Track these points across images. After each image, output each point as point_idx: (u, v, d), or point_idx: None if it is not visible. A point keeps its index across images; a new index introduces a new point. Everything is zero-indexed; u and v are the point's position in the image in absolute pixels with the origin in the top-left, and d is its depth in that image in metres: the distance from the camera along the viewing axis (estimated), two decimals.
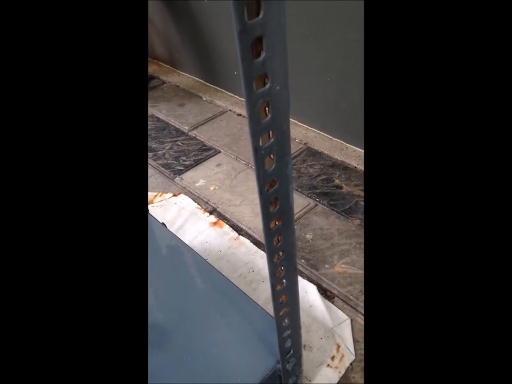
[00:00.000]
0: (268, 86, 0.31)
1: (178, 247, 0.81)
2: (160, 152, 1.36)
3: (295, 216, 1.05)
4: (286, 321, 0.53)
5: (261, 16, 0.27)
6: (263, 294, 0.89)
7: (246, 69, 0.29)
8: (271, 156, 0.36)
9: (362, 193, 1.10)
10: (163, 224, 0.87)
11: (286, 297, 0.50)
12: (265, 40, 0.28)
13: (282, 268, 0.47)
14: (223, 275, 0.74)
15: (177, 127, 1.47)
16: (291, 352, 0.58)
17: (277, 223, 0.42)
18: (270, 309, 0.69)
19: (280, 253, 0.45)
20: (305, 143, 1.29)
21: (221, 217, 1.10)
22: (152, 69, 1.87)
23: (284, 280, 0.48)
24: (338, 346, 0.75)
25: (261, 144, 0.34)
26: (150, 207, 1.15)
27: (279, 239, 0.44)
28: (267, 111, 0.33)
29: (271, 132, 0.35)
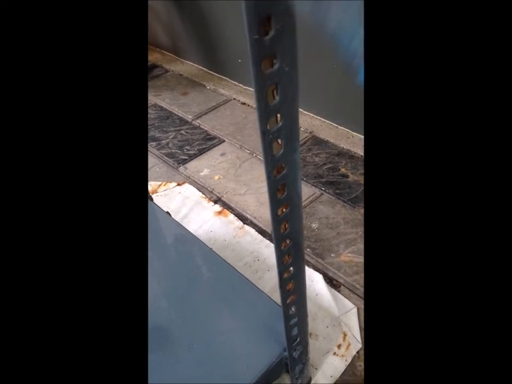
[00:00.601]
0: (276, 66, 0.30)
1: (183, 236, 0.81)
2: (163, 141, 1.35)
3: None
4: (293, 309, 0.53)
5: None
6: (268, 282, 0.89)
7: (254, 49, 0.28)
8: (279, 140, 0.35)
9: None
10: (167, 213, 0.87)
11: (293, 285, 0.50)
12: (274, 19, 0.27)
13: (289, 255, 0.46)
14: (229, 264, 0.74)
15: (181, 116, 1.46)
16: (298, 340, 0.57)
17: (284, 210, 0.41)
18: (275, 297, 0.69)
19: (288, 241, 0.45)
20: (310, 132, 1.28)
21: (226, 206, 1.09)
22: (154, 57, 1.86)
23: (291, 268, 0.48)
24: (345, 335, 0.74)
25: (268, 128, 0.33)
26: (154, 196, 1.14)
27: (286, 226, 0.43)
28: (275, 94, 0.32)
29: (279, 116, 0.34)
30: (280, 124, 0.34)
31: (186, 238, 0.80)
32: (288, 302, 0.51)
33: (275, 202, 0.39)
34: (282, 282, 0.48)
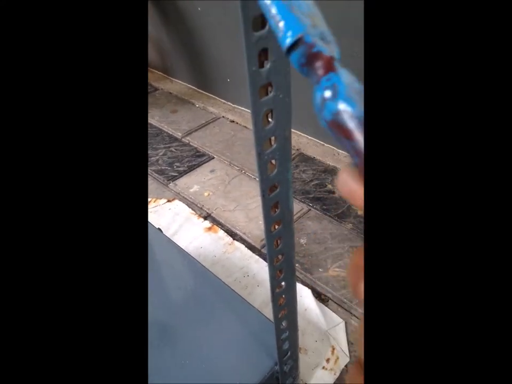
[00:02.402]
0: (271, 94, 0.32)
1: (175, 252, 0.82)
2: (153, 158, 1.36)
3: None
4: (284, 323, 0.54)
5: (266, 29, 0.29)
6: (258, 298, 0.90)
7: (252, 79, 0.30)
8: (273, 161, 0.38)
9: None
10: (159, 229, 0.88)
11: (284, 300, 0.51)
12: (270, 52, 0.30)
13: (281, 271, 0.48)
14: (220, 279, 0.75)
15: (171, 133, 1.48)
16: (288, 354, 0.59)
17: (277, 226, 0.43)
18: (266, 312, 0.70)
19: (280, 256, 0.47)
20: (297, 149, 1.31)
21: (216, 222, 1.11)
22: None
23: (283, 283, 0.50)
24: (333, 349, 0.76)
25: (263, 149, 0.36)
26: None
27: (278, 242, 0.45)
28: (269, 118, 0.35)
29: (273, 138, 0.36)
30: (275, 145, 0.36)
31: (177, 254, 0.81)
32: (279, 316, 0.52)
33: (268, 219, 0.41)
34: (274, 297, 0.49)
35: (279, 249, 0.45)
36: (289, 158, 0.39)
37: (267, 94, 0.33)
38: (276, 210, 0.41)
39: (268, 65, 0.30)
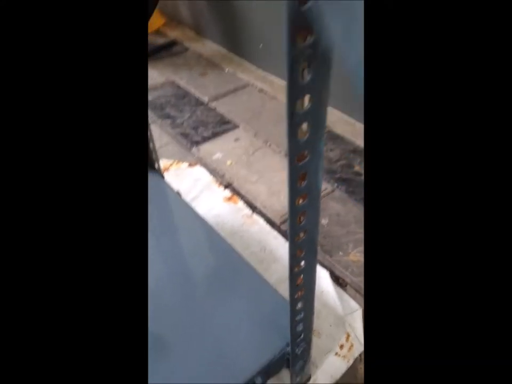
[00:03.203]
0: (310, 40, 0.27)
1: (192, 217, 0.79)
2: (178, 120, 1.32)
3: None
4: (300, 304, 0.50)
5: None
6: (274, 274, 0.86)
7: (290, 15, 0.25)
8: (305, 125, 0.32)
9: None
10: (178, 193, 0.85)
11: (303, 280, 0.47)
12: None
13: (302, 249, 0.44)
14: (237, 251, 0.71)
15: (197, 96, 1.43)
16: (302, 336, 0.55)
17: (302, 200, 0.39)
18: (280, 290, 0.67)
19: (302, 233, 0.42)
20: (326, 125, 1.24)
21: (236, 192, 1.07)
22: (175, 34, 1.82)
23: (303, 262, 0.45)
24: (348, 336, 0.72)
25: (296, 110, 0.30)
26: (165, 174, 1.13)
27: (302, 218, 0.41)
28: (306, 74, 0.30)
29: (307, 98, 0.31)
30: (309, 106, 0.31)
31: (195, 220, 0.78)
32: (296, 296, 0.48)
33: (294, 191, 0.36)
34: (293, 276, 0.45)
35: (302, 225, 0.41)
36: (323, 125, 0.34)
37: (305, 40, 0.27)
38: (303, 182, 0.37)
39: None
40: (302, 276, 0.47)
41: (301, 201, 0.39)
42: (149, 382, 0.54)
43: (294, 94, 0.29)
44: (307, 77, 0.29)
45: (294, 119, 0.31)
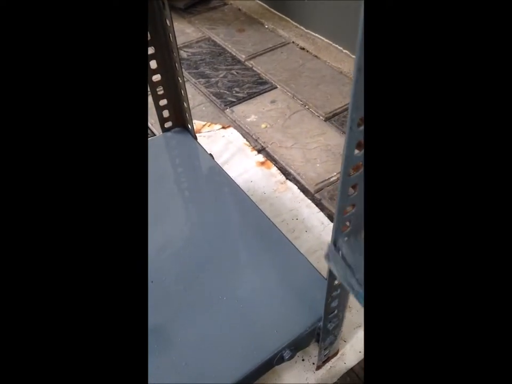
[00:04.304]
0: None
1: (224, 181, 0.76)
2: (213, 79, 1.27)
3: None
4: (338, 280, 0.47)
5: None
6: (304, 243, 0.84)
7: None
8: None
9: None
10: (210, 155, 0.82)
11: None
12: None
13: (349, 223, 0.40)
14: (269, 219, 0.69)
15: (234, 54, 1.36)
16: (335, 312, 0.53)
17: (355, 171, 0.35)
18: (311, 260, 0.64)
19: (350, 207, 0.38)
20: None
21: (270, 157, 1.03)
22: None
23: (347, 238, 0.42)
24: None
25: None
26: (197, 135, 1.10)
27: (353, 190, 0.37)
28: None
29: None
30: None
31: (227, 184, 0.75)
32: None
33: (350, 159, 0.32)
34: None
35: (351, 198, 0.37)
36: None
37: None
38: (361, 149, 0.32)
39: None
40: None
41: (354, 171, 0.35)
42: (181, 344, 0.53)
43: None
44: None
45: (361, 76, 0.26)
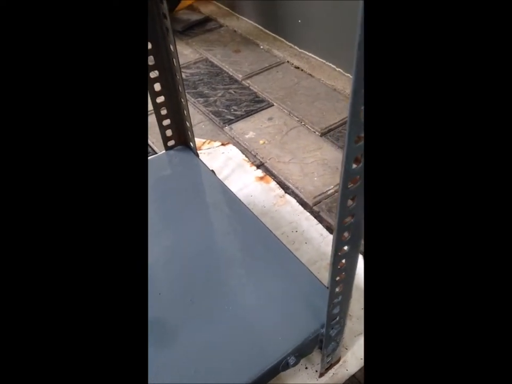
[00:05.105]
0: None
1: (226, 196, 0.79)
2: (211, 98, 1.31)
3: None
4: (340, 287, 0.50)
5: None
6: (305, 255, 0.86)
7: None
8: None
9: None
10: (212, 171, 0.85)
11: (345, 264, 0.47)
12: None
13: (348, 232, 0.43)
14: (271, 231, 0.71)
15: (231, 74, 1.41)
16: (337, 318, 0.55)
17: (353, 184, 0.38)
18: (312, 271, 0.67)
19: (350, 217, 0.41)
20: None
21: (268, 172, 1.06)
22: (209, 10, 1.79)
23: (347, 247, 0.45)
24: None
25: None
26: (198, 152, 1.13)
27: (352, 201, 0.40)
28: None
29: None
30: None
31: (228, 199, 0.78)
32: (337, 279, 0.48)
33: (349, 171, 0.36)
34: (336, 259, 0.45)
35: (350, 209, 0.40)
36: None
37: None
38: (358, 163, 0.36)
39: None
40: (344, 260, 0.46)
41: (352, 184, 0.38)
42: (181, 354, 0.55)
43: (361, 72, 0.28)
44: None
45: (358, 98, 0.29)
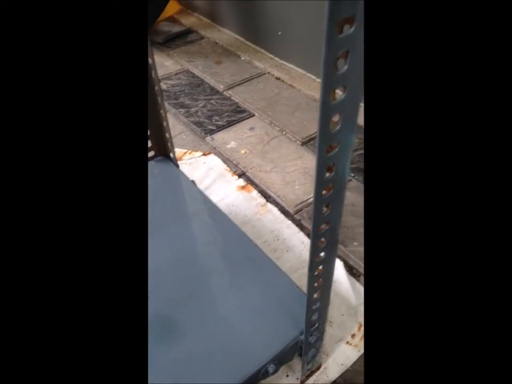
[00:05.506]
0: (351, 30, 0.27)
1: (207, 206, 0.79)
2: (193, 109, 1.32)
3: None
4: (317, 294, 0.51)
5: None
6: (286, 263, 0.87)
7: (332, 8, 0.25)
8: (336, 116, 0.33)
9: None
10: (192, 181, 0.86)
11: (322, 270, 0.48)
12: None
13: (324, 239, 0.44)
14: (251, 239, 0.72)
15: (212, 85, 1.43)
16: (316, 325, 0.56)
17: (328, 191, 0.39)
18: (293, 278, 0.67)
19: (325, 224, 0.42)
20: None
21: (250, 181, 1.07)
22: (191, 22, 1.81)
23: (323, 253, 0.46)
24: (360, 326, 0.73)
25: (330, 99, 0.31)
26: (179, 163, 1.13)
27: (326, 209, 0.41)
28: (344, 63, 0.30)
29: (342, 88, 0.31)
30: (343, 97, 0.31)
31: (209, 209, 0.79)
32: (314, 286, 0.49)
33: (321, 182, 0.37)
34: (312, 266, 0.46)
35: (325, 216, 0.41)
36: (356, 117, 0.34)
37: (343, 31, 0.27)
38: (330, 173, 0.37)
39: None
40: (321, 266, 0.47)
41: (326, 192, 0.39)
42: (163, 364, 0.55)
43: (328, 84, 0.29)
44: (344, 67, 0.29)
45: (326, 109, 0.31)
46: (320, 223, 0.41)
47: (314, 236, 0.42)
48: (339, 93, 0.31)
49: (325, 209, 0.41)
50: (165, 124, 0.80)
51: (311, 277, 0.47)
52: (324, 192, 0.39)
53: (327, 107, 0.30)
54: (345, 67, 0.29)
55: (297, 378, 0.68)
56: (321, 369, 0.70)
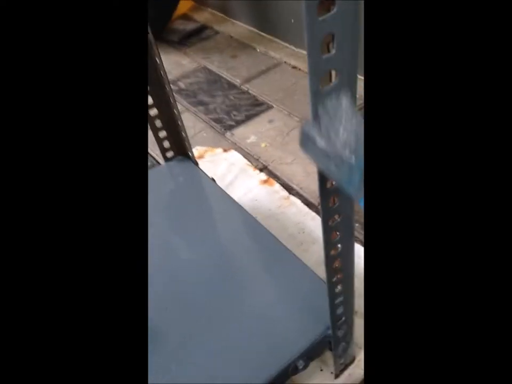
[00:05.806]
0: (333, 11, 0.25)
1: (228, 203, 0.79)
2: (211, 106, 1.32)
3: None
4: (339, 287, 0.49)
5: None
6: (313, 255, 0.85)
7: None
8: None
9: None
10: (212, 179, 0.85)
11: (340, 263, 0.46)
12: None
13: (337, 232, 0.42)
14: (273, 235, 0.71)
15: (229, 80, 1.42)
16: (343, 319, 0.54)
17: (334, 182, 0.37)
18: (320, 271, 0.66)
19: (336, 216, 0.41)
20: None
21: (272, 175, 1.06)
22: (204, 17, 1.80)
23: (339, 245, 0.44)
24: None
25: (321, 87, 0.29)
26: (200, 162, 1.13)
27: (335, 200, 0.39)
28: (330, 47, 0.28)
29: (334, 73, 0.29)
30: (336, 81, 0.29)
31: (230, 206, 0.78)
32: (333, 280, 0.47)
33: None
34: (329, 260, 0.44)
35: (335, 208, 0.39)
36: (355, 101, 0.32)
37: (329, 10, 0.25)
38: None
39: None
40: (339, 259, 0.46)
41: (333, 182, 0.37)
42: (189, 361, 0.55)
43: (316, 70, 0.27)
44: (332, 50, 0.27)
45: (319, 98, 0.29)
46: (329, 215, 0.39)
47: (325, 229, 0.41)
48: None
49: (333, 200, 0.39)
50: (180, 123, 0.80)
51: (329, 272, 0.46)
52: (329, 184, 0.37)
53: (318, 95, 0.29)
54: (333, 51, 0.27)
55: (331, 373, 0.67)
56: (355, 362, 0.68)
